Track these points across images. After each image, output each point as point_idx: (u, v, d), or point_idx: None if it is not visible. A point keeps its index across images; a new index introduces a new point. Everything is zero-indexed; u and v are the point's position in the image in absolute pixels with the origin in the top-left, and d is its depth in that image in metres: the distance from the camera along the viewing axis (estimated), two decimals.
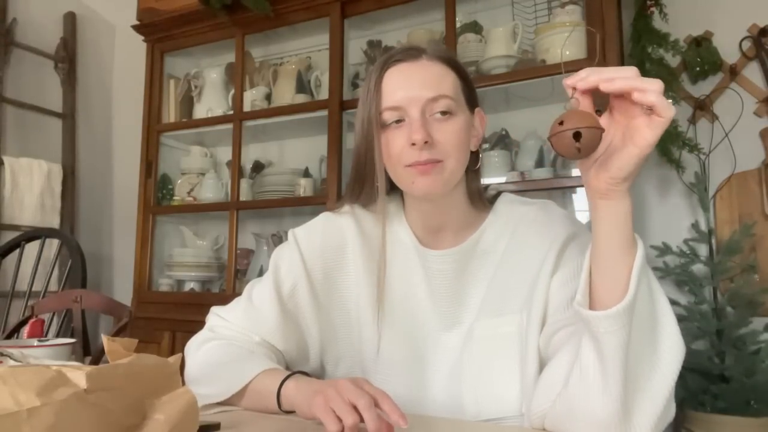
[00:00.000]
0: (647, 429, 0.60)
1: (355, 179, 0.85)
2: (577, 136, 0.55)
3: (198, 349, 0.85)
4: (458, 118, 0.78)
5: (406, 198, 0.88)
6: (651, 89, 0.53)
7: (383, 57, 0.82)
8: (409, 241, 0.87)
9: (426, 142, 0.75)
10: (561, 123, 0.56)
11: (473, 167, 0.84)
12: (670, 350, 0.61)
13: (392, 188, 0.87)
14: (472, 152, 0.83)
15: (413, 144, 0.75)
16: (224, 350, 0.83)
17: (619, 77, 0.55)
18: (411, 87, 0.78)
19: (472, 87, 0.84)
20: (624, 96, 0.56)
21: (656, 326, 0.62)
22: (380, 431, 0.59)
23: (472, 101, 0.83)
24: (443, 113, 0.77)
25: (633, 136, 0.56)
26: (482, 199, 0.86)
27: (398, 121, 0.78)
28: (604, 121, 0.59)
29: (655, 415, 0.60)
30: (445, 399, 0.81)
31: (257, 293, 0.89)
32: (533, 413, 0.69)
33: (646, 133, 0.55)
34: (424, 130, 0.75)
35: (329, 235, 0.89)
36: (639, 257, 0.59)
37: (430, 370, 0.82)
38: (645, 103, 0.54)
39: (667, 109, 0.54)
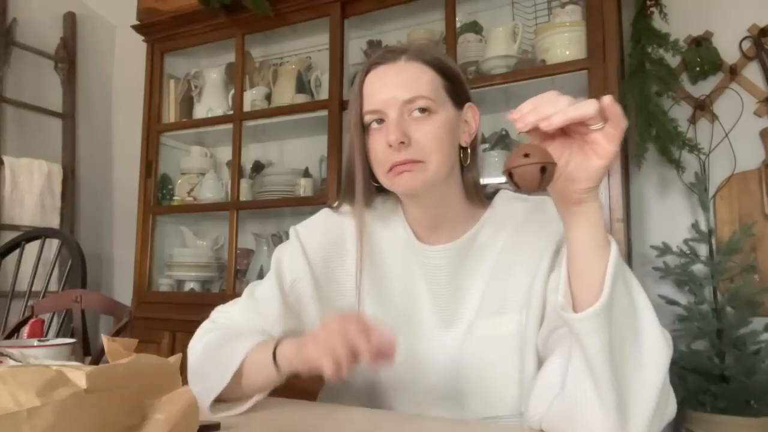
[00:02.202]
0: (643, 428, 0.60)
1: (347, 181, 0.86)
2: (543, 170, 0.56)
3: (198, 343, 0.85)
4: (438, 117, 0.78)
5: (402, 197, 0.88)
6: (589, 112, 0.55)
7: (367, 60, 0.84)
8: (406, 238, 0.87)
9: (402, 143, 0.76)
10: (526, 155, 0.57)
11: (464, 162, 0.84)
12: (652, 347, 0.62)
13: None
14: (463, 148, 0.83)
15: (390, 145, 0.76)
16: (219, 336, 0.83)
17: (557, 112, 0.56)
18: (388, 89, 0.79)
19: (459, 83, 0.83)
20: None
21: (637, 324, 0.62)
22: (378, 354, 0.62)
23: (459, 98, 0.83)
24: (421, 112, 0.78)
25: (594, 149, 0.58)
26: (480, 195, 0.86)
27: (379, 122, 0.80)
28: (558, 141, 0.60)
29: (647, 411, 0.60)
30: (444, 396, 0.81)
31: (259, 288, 0.90)
32: (530, 416, 0.70)
33: (606, 145, 0.57)
34: (399, 130, 0.76)
35: (330, 231, 0.90)
36: (613, 257, 0.60)
37: (429, 367, 0.83)
38: (592, 129, 0.57)
39: (619, 120, 0.56)
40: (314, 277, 0.87)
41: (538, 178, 0.56)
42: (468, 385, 0.79)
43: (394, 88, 0.78)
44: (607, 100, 0.56)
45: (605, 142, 0.57)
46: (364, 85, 0.82)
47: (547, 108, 0.57)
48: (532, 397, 0.70)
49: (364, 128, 0.81)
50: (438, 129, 0.78)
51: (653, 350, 0.61)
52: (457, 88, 0.83)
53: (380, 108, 0.79)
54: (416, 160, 0.77)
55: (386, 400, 0.85)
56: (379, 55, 0.83)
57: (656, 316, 0.63)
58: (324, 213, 0.93)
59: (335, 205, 0.91)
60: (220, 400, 0.76)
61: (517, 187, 0.58)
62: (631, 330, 0.62)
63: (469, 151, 0.83)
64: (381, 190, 0.86)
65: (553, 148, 0.59)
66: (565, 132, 0.59)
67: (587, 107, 0.55)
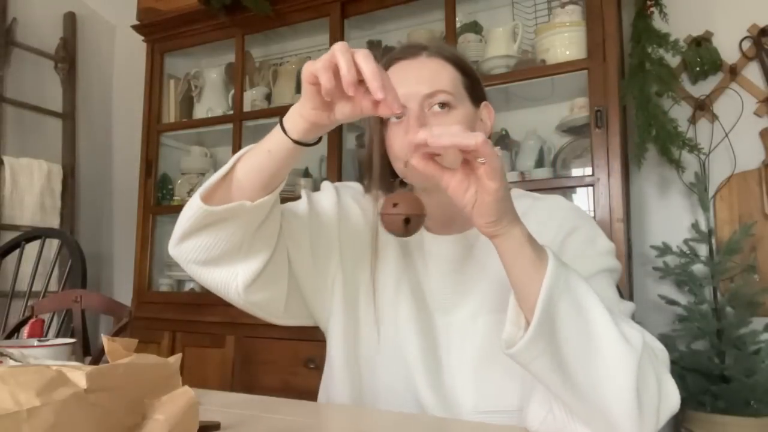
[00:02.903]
0: (634, 428, 0.60)
1: (367, 170, 0.88)
2: (407, 220, 0.64)
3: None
4: (458, 112, 0.80)
5: (416, 190, 0.89)
6: (469, 143, 0.58)
7: (387, 55, 0.85)
8: None
9: None
10: (395, 205, 0.65)
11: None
12: (614, 353, 0.61)
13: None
14: None
15: None
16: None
17: (444, 134, 0.59)
18: (409, 83, 0.79)
19: (476, 82, 0.85)
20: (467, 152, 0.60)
21: (591, 334, 0.61)
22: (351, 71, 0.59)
23: (476, 95, 0.84)
24: (441, 107, 0.79)
25: (482, 185, 0.60)
26: None
27: (398, 117, 0.80)
28: (459, 174, 0.62)
29: (630, 412, 0.60)
30: (444, 389, 0.81)
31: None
32: (528, 426, 0.70)
33: (488, 182, 0.59)
34: (420, 123, 0.77)
35: (360, 201, 0.91)
36: (547, 279, 0.60)
37: (428, 355, 0.83)
38: (479, 162, 0.59)
39: (492, 158, 0.58)
40: (343, 220, 0.88)
41: (403, 227, 0.65)
42: (469, 379, 0.79)
43: (415, 83, 0.79)
44: (480, 138, 0.58)
45: (486, 178, 0.59)
46: None
47: (439, 130, 0.60)
48: (529, 408, 0.70)
49: (383, 122, 0.82)
50: (457, 123, 0.79)
51: (615, 355, 0.60)
52: (475, 85, 0.84)
53: (401, 101, 0.80)
54: (434, 153, 0.77)
55: (384, 377, 0.85)
56: (400, 50, 0.84)
57: (612, 321, 0.62)
58: (359, 185, 0.94)
59: (366, 183, 0.93)
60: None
61: (388, 231, 0.67)
62: (586, 344, 0.61)
63: None
64: (400, 183, 0.87)
65: (458, 180, 0.62)
66: (468, 165, 0.62)
67: (469, 138, 0.58)
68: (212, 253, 0.75)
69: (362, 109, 0.64)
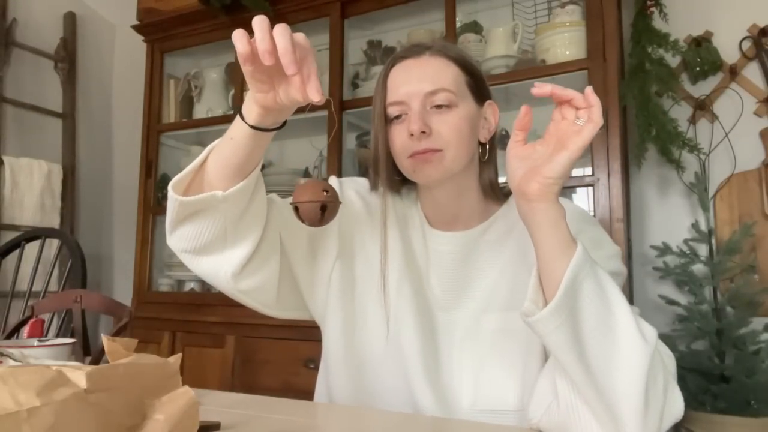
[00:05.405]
0: (637, 427, 0.60)
1: (373, 169, 0.88)
2: (323, 207, 0.67)
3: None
4: (459, 110, 0.80)
5: (420, 187, 0.90)
6: (575, 95, 0.64)
7: (391, 55, 0.87)
8: (418, 221, 0.89)
9: (423, 132, 0.78)
10: (296, 209, 0.68)
11: (483, 158, 0.86)
12: (631, 346, 0.61)
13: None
14: (482, 144, 0.85)
15: (412, 135, 0.78)
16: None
17: (548, 85, 0.64)
18: (411, 82, 0.81)
19: (481, 80, 0.86)
20: (562, 115, 0.65)
21: (611, 324, 0.62)
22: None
23: (481, 94, 0.85)
24: (442, 105, 0.80)
25: (565, 143, 0.62)
26: (495, 192, 0.88)
27: (400, 116, 0.81)
28: (539, 145, 0.65)
29: (635, 408, 0.60)
30: (442, 387, 0.81)
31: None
32: (529, 418, 0.70)
33: (576, 138, 0.62)
34: (421, 120, 0.78)
35: (366, 199, 0.92)
36: (577, 256, 0.62)
37: (427, 352, 0.82)
38: (578, 123, 0.63)
39: (599, 114, 0.63)
40: (340, 216, 0.88)
41: (319, 215, 0.67)
42: (469, 375, 0.79)
43: (418, 81, 0.80)
44: (588, 89, 0.63)
45: (577, 136, 0.62)
46: (389, 78, 0.83)
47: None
48: (533, 400, 0.70)
49: (387, 120, 0.83)
50: (459, 121, 0.80)
51: (632, 349, 0.61)
52: (479, 84, 0.85)
53: (404, 99, 0.80)
54: (435, 149, 0.79)
55: (384, 370, 0.85)
56: (405, 49, 0.85)
57: (632, 315, 0.63)
58: (365, 180, 0.94)
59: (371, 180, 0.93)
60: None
61: (302, 221, 0.68)
62: (605, 329, 0.62)
63: (487, 147, 0.86)
64: (405, 181, 0.88)
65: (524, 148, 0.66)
66: (545, 138, 0.65)
67: (574, 92, 0.63)
68: (199, 241, 0.77)
69: (297, 92, 0.64)
